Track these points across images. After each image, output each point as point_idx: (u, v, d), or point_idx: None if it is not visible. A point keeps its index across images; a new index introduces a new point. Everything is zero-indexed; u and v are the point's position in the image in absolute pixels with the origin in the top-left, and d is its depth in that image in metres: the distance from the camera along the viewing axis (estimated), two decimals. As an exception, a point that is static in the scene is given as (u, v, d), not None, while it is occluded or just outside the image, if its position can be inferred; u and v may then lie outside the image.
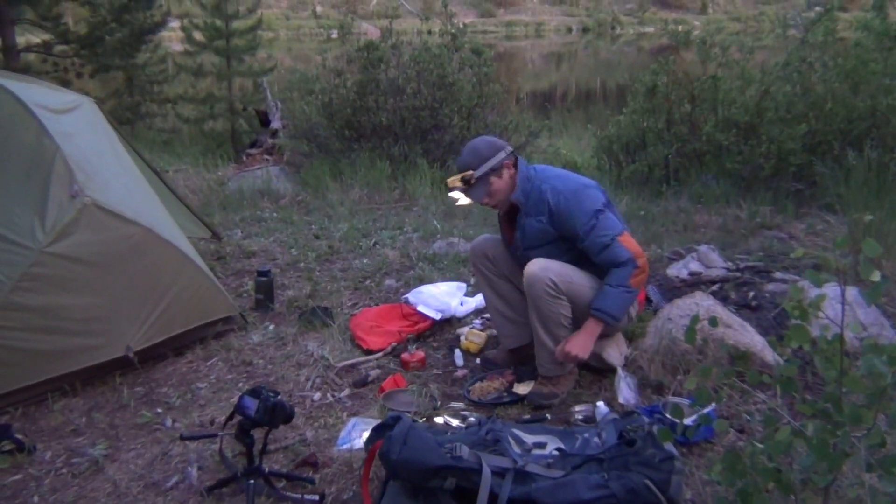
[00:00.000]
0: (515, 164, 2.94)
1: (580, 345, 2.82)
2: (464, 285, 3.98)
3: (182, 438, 2.71)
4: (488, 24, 67.33)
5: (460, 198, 2.98)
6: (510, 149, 2.96)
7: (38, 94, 3.44)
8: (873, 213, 4.26)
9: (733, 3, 78.69)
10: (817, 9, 6.78)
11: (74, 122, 3.45)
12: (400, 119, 7.42)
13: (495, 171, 2.89)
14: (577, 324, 2.91)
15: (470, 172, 2.88)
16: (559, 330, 2.86)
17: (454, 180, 2.93)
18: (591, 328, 2.85)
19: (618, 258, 2.79)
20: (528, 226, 2.93)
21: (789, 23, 7.25)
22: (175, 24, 14.83)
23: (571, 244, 2.89)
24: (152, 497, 2.47)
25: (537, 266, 2.84)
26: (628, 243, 2.81)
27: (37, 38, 11.64)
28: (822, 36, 6.20)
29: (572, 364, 2.93)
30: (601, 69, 32.99)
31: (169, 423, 2.94)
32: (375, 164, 7.07)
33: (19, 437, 2.75)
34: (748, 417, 2.71)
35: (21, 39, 11.43)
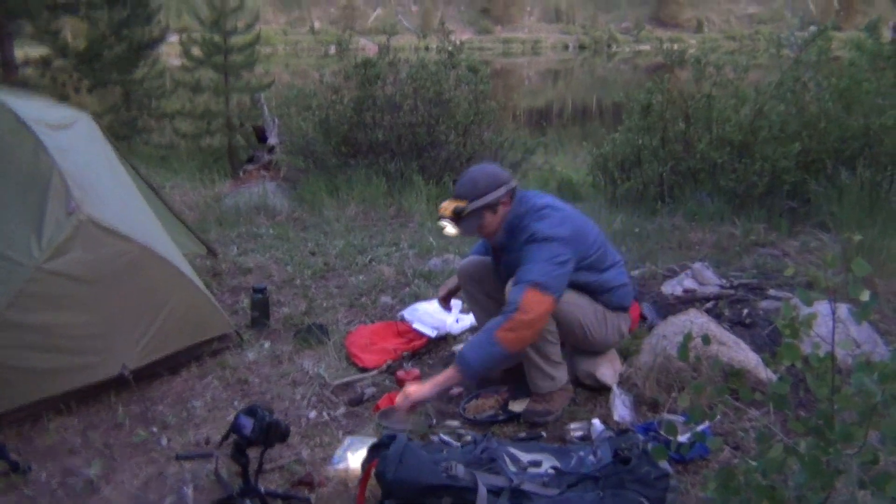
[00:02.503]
0: (511, 199, 2.86)
1: (418, 388, 2.70)
2: (459, 302, 3.98)
3: (177, 458, 2.71)
4: (485, 41, 67.99)
5: (448, 226, 2.86)
6: (512, 184, 2.86)
7: (36, 109, 3.45)
8: (866, 232, 4.29)
9: (728, 22, 79.47)
10: (812, 28, 6.85)
11: (72, 137, 3.46)
12: (396, 136, 7.46)
13: (490, 207, 2.81)
14: (564, 338, 2.93)
15: (463, 204, 2.80)
16: (546, 346, 2.86)
17: (446, 208, 2.82)
18: (447, 374, 2.71)
19: (510, 299, 2.66)
20: (508, 261, 2.88)
21: (783, 42, 7.31)
22: (173, 39, 14.94)
23: None
24: (147, 516, 2.46)
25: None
26: (532, 297, 2.61)
27: (35, 52, 11.68)
28: (816, 55, 6.25)
29: (416, 407, 2.75)
30: (597, 86, 33.24)
31: (164, 442, 2.93)
32: (372, 180, 7.10)
33: (14, 457, 2.73)
34: (743, 434, 2.72)
35: (20, 53, 11.47)
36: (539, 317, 2.65)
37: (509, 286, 2.75)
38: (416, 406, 2.73)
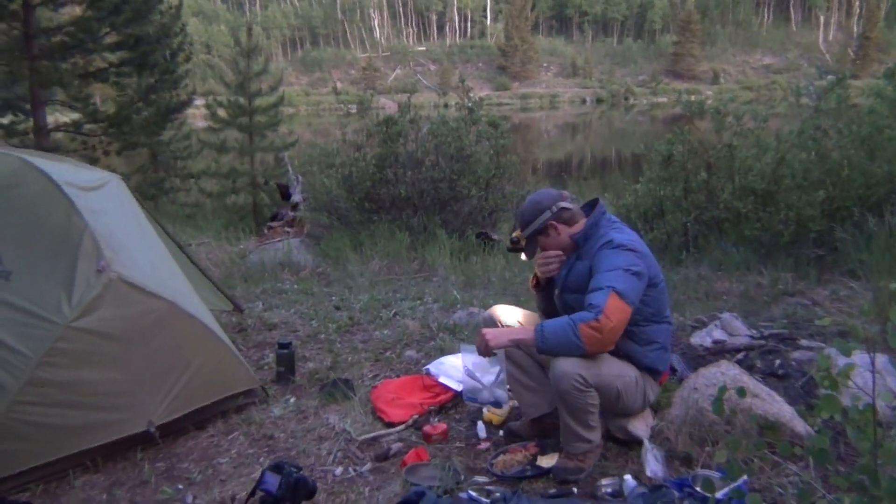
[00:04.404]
0: (565, 220, 2.95)
1: (495, 332, 2.85)
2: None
3: (203, 515, 2.68)
4: (504, 97, 69.16)
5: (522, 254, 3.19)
6: (559, 205, 2.95)
7: (68, 173, 3.53)
8: (897, 279, 4.22)
9: (745, 73, 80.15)
10: (829, 77, 6.88)
11: (102, 199, 3.53)
12: (419, 191, 7.54)
13: (541, 232, 2.98)
14: (604, 408, 2.87)
15: (518, 234, 3.04)
16: (587, 417, 2.80)
17: (509, 239, 3.11)
18: (522, 330, 2.93)
19: (593, 302, 2.63)
20: (576, 268, 2.95)
21: (802, 91, 7.34)
22: (200, 102, 15.34)
23: None
24: (172, 577, 2.42)
25: (567, 363, 2.73)
26: (614, 304, 2.61)
27: (66, 117, 12.03)
28: (836, 104, 6.27)
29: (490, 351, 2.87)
30: (616, 138, 33.50)
31: (189, 499, 2.90)
32: (395, 235, 7.15)
33: (40, 514, 2.73)
34: (781, 491, 2.63)
35: (51, 118, 11.84)
36: (619, 326, 2.64)
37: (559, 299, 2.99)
38: (490, 350, 2.84)
